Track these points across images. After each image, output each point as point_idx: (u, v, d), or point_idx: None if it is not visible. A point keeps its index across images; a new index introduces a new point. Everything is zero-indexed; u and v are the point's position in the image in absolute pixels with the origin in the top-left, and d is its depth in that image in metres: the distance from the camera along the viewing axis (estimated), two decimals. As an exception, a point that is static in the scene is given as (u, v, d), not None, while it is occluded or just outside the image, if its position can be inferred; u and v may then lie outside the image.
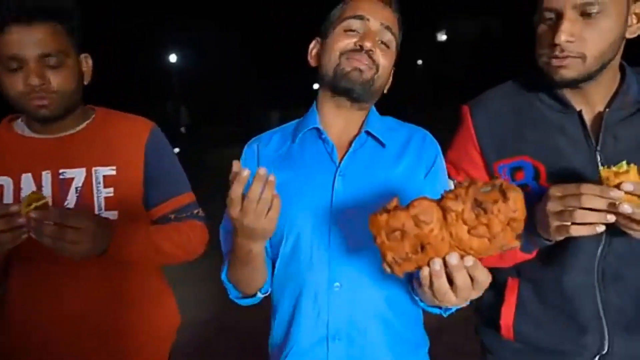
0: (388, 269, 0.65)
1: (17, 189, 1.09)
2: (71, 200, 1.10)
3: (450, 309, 0.89)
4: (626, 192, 0.75)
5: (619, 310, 0.96)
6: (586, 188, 0.78)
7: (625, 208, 0.74)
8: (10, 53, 1.00)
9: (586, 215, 0.77)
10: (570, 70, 0.88)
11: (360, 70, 0.93)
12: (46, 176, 1.11)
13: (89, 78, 1.18)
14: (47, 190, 1.09)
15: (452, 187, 1.05)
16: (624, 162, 0.79)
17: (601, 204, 0.76)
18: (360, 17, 0.95)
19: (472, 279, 0.64)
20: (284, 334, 0.98)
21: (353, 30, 0.95)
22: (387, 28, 0.97)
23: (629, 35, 0.91)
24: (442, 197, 0.61)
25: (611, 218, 0.76)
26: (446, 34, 41.17)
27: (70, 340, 1.10)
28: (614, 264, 0.94)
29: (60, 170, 1.11)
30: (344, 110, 1.00)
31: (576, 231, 0.79)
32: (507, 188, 0.59)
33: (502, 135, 1.02)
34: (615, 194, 0.75)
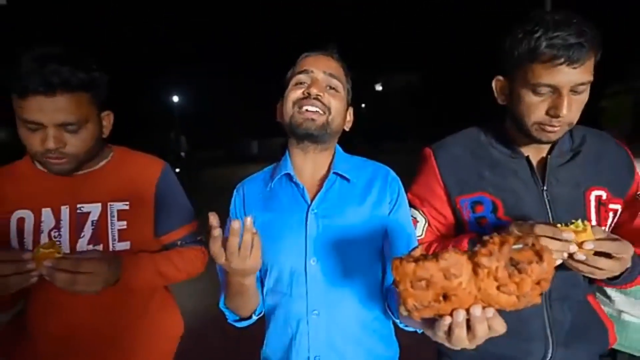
0: (405, 313, 0.56)
1: (38, 222, 1.01)
2: (87, 232, 1.03)
3: None
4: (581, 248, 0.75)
5: (562, 325, 0.95)
6: (541, 229, 0.76)
7: (580, 256, 0.75)
8: (30, 118, 0.91)
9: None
10: (558, 134, 0.89)
11: (312, 120, 0.91)
12: (65, 211, 1.02)
13: (108, 132, 1.09)
14: (64, 223, 1.02)
15: (417, 216, 1.07)
16: (579, 221, 0.76)
17: (556, 245, 0.74)
18: (306, 71, 0.94)
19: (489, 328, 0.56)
20: (276, 353, 0.95)
21: (302, 83, 0.94)
22: (331, 75, 0.94)
23: None
24: (475, 252, 0.52)
25: (565, 256, 0.75)
26: (382, 85, 42.78)
27: (81, 351, 1.03)
28: (559, 286, 0.92)
29: (78, 205, 1.03)
30: (310, 154, 0.96)
31: None
32: (542, 249, 0.51)
33: (463, 174, 1.01)
34: (567, 235, 0.74)
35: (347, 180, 0.95)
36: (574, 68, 0.81)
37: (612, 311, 1.17)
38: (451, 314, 0.54)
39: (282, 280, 0.91)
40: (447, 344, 0.58)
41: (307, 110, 0.91)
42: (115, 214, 1.05)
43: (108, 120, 1.08)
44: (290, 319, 0.90)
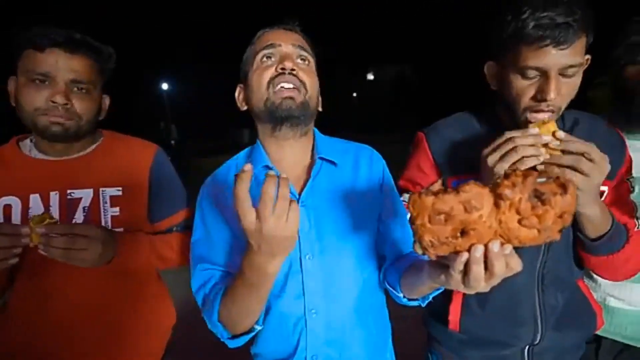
0: (420, 251, 0.54)
1: (25, 209, 0.96)
2: (78, 218, 0.99)
3: (428, 297, 0.79)
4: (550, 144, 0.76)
5: (552, 308, 0.95)
6: (510, 133, 0.77)
7: (555, 143, 0.75)
8: (43, 70, 0.91)
9: (527, 149, 0.74)
10: (548, 119, 0.87)
11: (291, 98, 0.81)
12: (54, 197, 0.98)
13: (104, 115, 1.09)
14: (54, 210, 0.98)
15: (405, 199, 1.03)
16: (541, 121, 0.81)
17: (530, 140, 0.75)
18: (272, 45, 0.84)
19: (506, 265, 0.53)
20: (269, 353, 0.87)
21: (270, 57, 0.84)
22: (300, 47, 0.85)
23: None
24: (497, 184, 0.50)
25: (542, 156, 0.75)
26: (373, 74, 42.65)
27: (70, 339, 1.00)
28: (552, 269, 0.93)
29: (68, 191, 0.99)
30: (289, 142, 0.86)
31: (524, 164, 0.75)
32: (566, 182, 0.49)
33: (454, 156, 1.00)
34: (533, 130, 0.76)
35: (334, 164, 0.88)
36: (562, 50, 0.78)
37: (597, 296, 1.15)
38: (468, 251, 0.52)
39: (278, 280, 0.78)
40: (461, 288, 0.56)
41: (282, 87, 0.81)
42: (108, 200, 1.01)
43: (105, 103, 1.08)
44: (286, 320, 0.83)
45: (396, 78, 42.56)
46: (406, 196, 1.05)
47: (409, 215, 0.53)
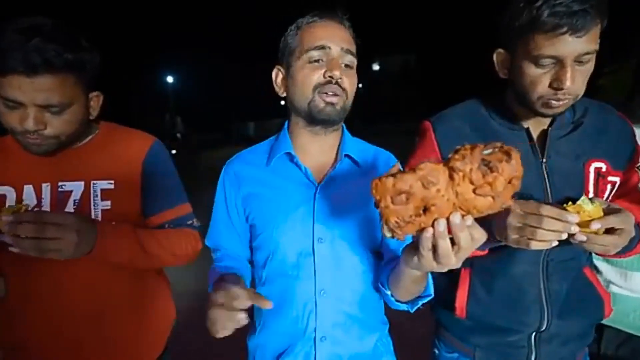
0: (389, 234, 0.56)
1: (19, 199, 0.95)
2: (69, 211, 0.95)
3: (417, 303, 0.82)
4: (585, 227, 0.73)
5: (558, 295, 0.94)
6: (546, 210, 0.73)
7: (581, 237, 0.74)
8: (10, 96, 0.83)
9: (545, 235, 0.73)
10: (563, 107, 0.85)
11: (333, 104, 0.85)
12: (46, 188, 0.96)
13: (96, 114, 1.00)
14: (46, 202, 0.95)
15: None
16: (585, 198, 0.75)
17: (560, 226, 0.72)
18: (322, 47, 0.84)
19: (471, 238, 0.55)
20: (273, 338, 0.89)
21: (318, 61, 0.85)
22: (348, 51, 0.86)
23: None
24: (449, 159, 0.53)
25: (564, 236, 0.73)
26: (379, 65, 42.29)
27: (68, 335, 0.97)
28: (557, 256, 0.92)
29: (60, 183, 0.96)
30: (319, 136, 0.91)
31: (535, 245, 0.74)
32: (509, 149, 0.52)
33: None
34: (572, 218, 0.72)
35: (357, 165, 0.92)
36: (579, 37, 0.76)
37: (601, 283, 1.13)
38: (433, 227, 0.54)
39: (287, 263, 0.87)
40: (434, 266, 0.57)
41: (328, 94, 0.84)
42: (99, 193, 0.97)
43: (97, 101, 0.99)
44: (296, 300, 0.86)
45: (401, 68, 42.22)
46: None
47: (374, 201, 0.55)
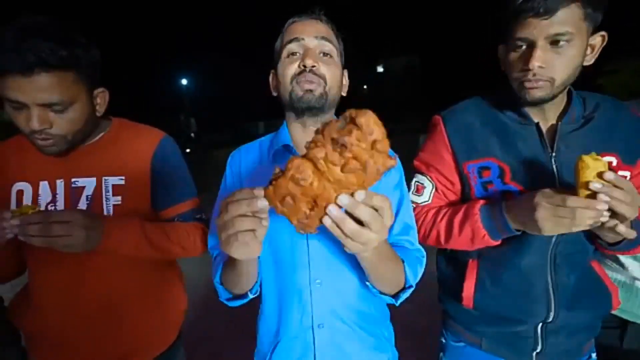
0: (302, 232, 0.55)
1: (35, 195, 0.97)
2: (82, 207, 0.97)
3: (400, 296, 0.82)
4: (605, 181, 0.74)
5: (565, 287, 0.94)
6: (572, 201, 0.75)
7: (602, 190, 0.73)
8: (12, 97, 0.83)
9: (583, 223, 0.75)
10: (540, 91, 0.85)
11: (311, 91, 0.85)
12: (60, 184, 0.97)
13: (103, 110, 1.00)
14: (60, 197, 0.97)
15: (424, 181, 1.05)
16: (593, 153, 0.76)
17: (591, 214, 0.74)
18: (296, 39, 0.86)
19: (375, 209, 0.54)
20: (274, 324, 0.90)
21: (294, 54, 0.87)
22: (323, 38, 0.87)
23: (585, 63, 0.88)
24: (306, 152, 0.52)
25: (604, 219, 0.75)
26: (383, 67, 42.12)
27: (86, 324, 0.99)
28: (565, 249, 0.92)
29: (73, 179, 0.98)
30: (311, 128, 0.91)
31: (578, 229, 0.77)
32: (357, 115, 0.48)
33: (471, 140, 0.98)
34: (600, 206, 0.73)
35: None
36: (545, 19, 0.78)
37: (626, 279, 1.10)
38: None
39: (282, 251, 0.86)
40: (361, 248, 0.56)
41: (305, 82, 0.85)
42: (110, 188, 0.98)
43: (102, 98, 0.98)
44: (292, 289, 0.86)
45: (405, 70, 41.94)
46: (419, 177, 1.06)
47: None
